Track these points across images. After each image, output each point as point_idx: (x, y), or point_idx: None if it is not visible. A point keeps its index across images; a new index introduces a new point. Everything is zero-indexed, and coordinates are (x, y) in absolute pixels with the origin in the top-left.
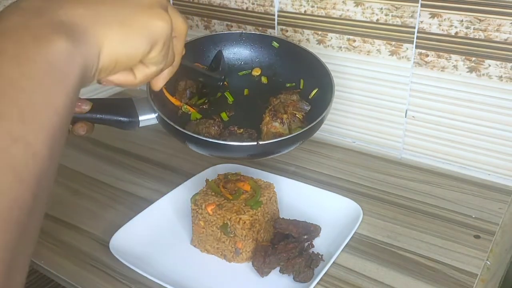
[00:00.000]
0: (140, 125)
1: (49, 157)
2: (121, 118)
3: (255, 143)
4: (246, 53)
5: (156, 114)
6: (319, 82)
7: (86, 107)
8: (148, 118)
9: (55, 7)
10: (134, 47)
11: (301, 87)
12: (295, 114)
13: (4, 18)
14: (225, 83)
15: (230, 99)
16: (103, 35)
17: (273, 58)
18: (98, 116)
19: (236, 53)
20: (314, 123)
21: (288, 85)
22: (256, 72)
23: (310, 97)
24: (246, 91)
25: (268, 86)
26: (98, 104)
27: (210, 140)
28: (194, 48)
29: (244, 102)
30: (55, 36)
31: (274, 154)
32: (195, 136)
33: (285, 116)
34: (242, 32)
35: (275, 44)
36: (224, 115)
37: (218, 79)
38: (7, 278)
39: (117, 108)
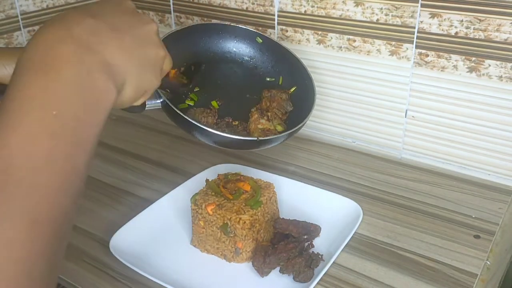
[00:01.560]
0: (146, 108)
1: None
2: None
3: (256, 138)
4: (231, 44)
5: (162, 100)
6: (298, 81)
7: None
8: (154, 102)
9: (101, 47)
10: (148, 83)
11: (280, 83)
12: (275, 112)
13: (59, 43)
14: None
15: (195, 99)
16: (130, 76)
17: (256, 52)
18: None
19: (221, 43)
20: (302, 123)
21: (268, 79)
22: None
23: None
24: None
25: (249, 78)
26: None
27: (219, 133)
28: (184, 35)
29: (231, 91)
30: (102, 75)
31: (267, 146)
32: (203, 128)
33: (269, 114)
34: (230, 24)
35: (258, 39)
36: (214, 104)
37: (183, 92)
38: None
39: None
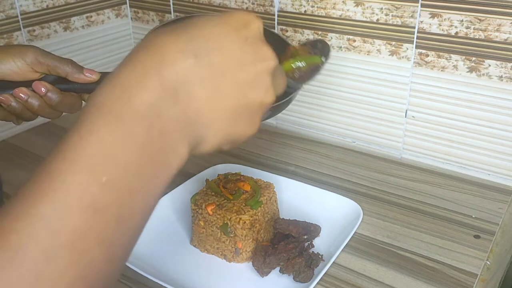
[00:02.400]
0: None
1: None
2: None
3: None
4: None
5: None
6: None
7: (95, 76)
8: None
9: (188, 99)
10: (239, 134)
11: None
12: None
13: (142, 86)
14: None
15: None
16: (214, 131)
17: None
18: None
19: None
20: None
21: None
22: None
23: None
24: None
25: None
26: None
27: None
28: None
29: None
30: (178, 135)
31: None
32: None
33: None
34: None
35: None
36: None
37: None
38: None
39: None
